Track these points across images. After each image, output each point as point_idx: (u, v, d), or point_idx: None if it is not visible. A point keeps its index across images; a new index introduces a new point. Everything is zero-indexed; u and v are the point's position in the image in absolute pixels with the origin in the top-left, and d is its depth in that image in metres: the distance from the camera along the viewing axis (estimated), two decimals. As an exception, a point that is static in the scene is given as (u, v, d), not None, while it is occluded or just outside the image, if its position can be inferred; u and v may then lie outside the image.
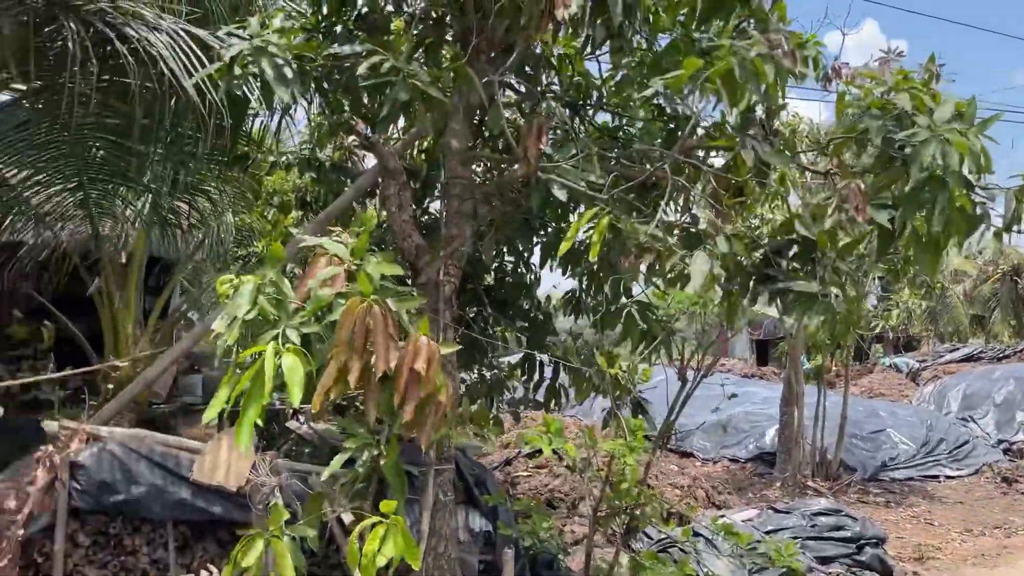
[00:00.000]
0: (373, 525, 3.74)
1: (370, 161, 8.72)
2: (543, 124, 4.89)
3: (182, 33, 6.19)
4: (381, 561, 3.71)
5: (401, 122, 6.73)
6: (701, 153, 5.64)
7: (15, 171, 7.86)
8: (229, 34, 4.75)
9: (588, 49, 6.00)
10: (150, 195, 8.23)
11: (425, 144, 7.33)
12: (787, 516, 8.53)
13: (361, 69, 4.58)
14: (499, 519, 5.60)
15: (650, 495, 5.33)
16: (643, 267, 4.41)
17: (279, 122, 9.21)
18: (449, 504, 5.21)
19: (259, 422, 3.79)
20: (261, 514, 4.92)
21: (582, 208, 5.32)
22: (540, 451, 11.13)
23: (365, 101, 5.98)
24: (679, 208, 5.70)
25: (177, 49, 6.08)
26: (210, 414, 3.80)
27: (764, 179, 5.21)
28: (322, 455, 6.84)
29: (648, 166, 5.51)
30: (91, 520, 5.03)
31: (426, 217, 7.17)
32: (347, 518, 5.00)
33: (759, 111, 4.77)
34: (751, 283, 4.99)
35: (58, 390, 7.81)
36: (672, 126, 5.88)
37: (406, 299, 3.93)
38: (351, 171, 7.51)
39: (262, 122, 9.02)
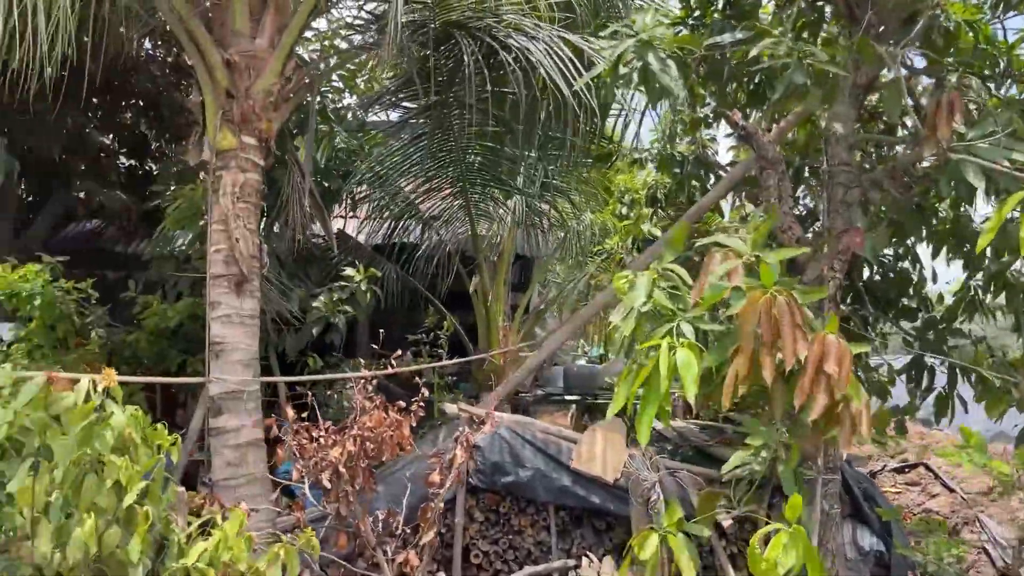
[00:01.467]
0: (772, 532, 3.55)
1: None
2: (956, 99, 4.32)
3: (556, 40, 6.48)
4: (781, 570, 3.51)
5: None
6: None
7: (409, 180, 8.87)
8: (614, 33, 4.83)
9: (999, 11, 5.27)
10: (521, 196, 8.80)
11: (790, 133, 6.96)
12: None
13: (754, 52, 4.41)
14: (893, 538, 5.07)
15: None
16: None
17: (640, 120, 9.35)
18: (836, 517, 4.82)
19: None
20: (640, 508, 4.95)
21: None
22: (912, 466, 10.09)
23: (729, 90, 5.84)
24: None
25: (552, 55, 6.38)
26: (614, 409, 3.89)
27: None
28: (683, 453, 6.77)
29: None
30: (484, 498, 5.44)
31: (798, 209, 6.79)
32: (726, 522, 4.87)
33: None
34: None
35: (435, 375, 8.62)
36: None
37: (810, 291, 3.69)
38: (714, 165, 7.33)
39: (626, 121, 9.22)
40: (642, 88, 4.86)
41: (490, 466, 5.31)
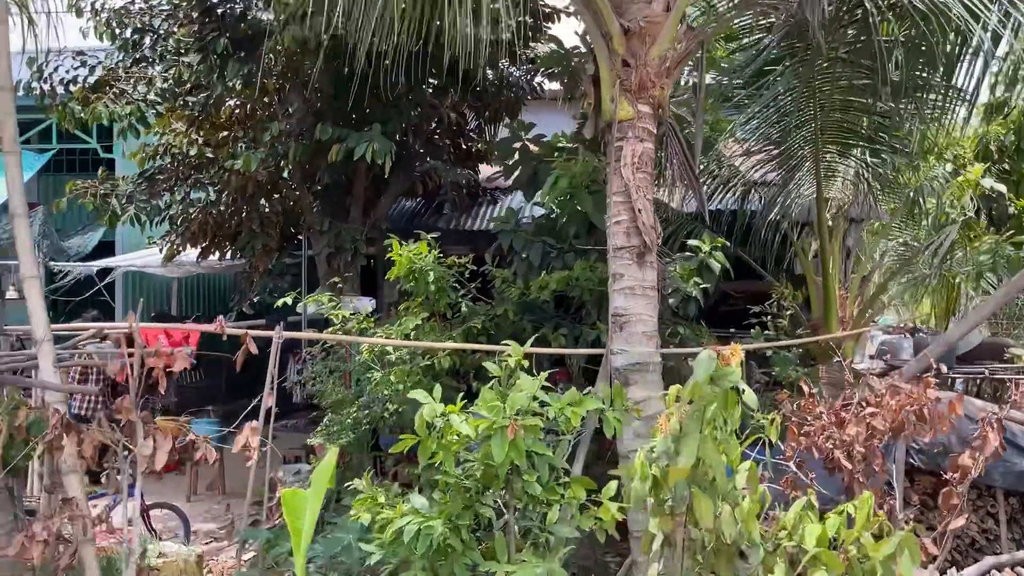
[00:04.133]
0: None
1: None
2: None
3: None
4: None
5: None
6: None
7: (742, 144, 8.50)
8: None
9: None
10: (863, 154, 8.16)
11: None
12: None
13: None
14: None
15: None
16: None
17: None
18: None
19: None
20: None
21: None
22: None
23: None
24: None
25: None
26: None
27: None
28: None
29: None
30: (920, 480, 5.06)
31: None
32: None
33: None
34: None
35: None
36: None
37: None
38: None
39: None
40: None
41: (935, 447, 4.90)
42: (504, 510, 3.92)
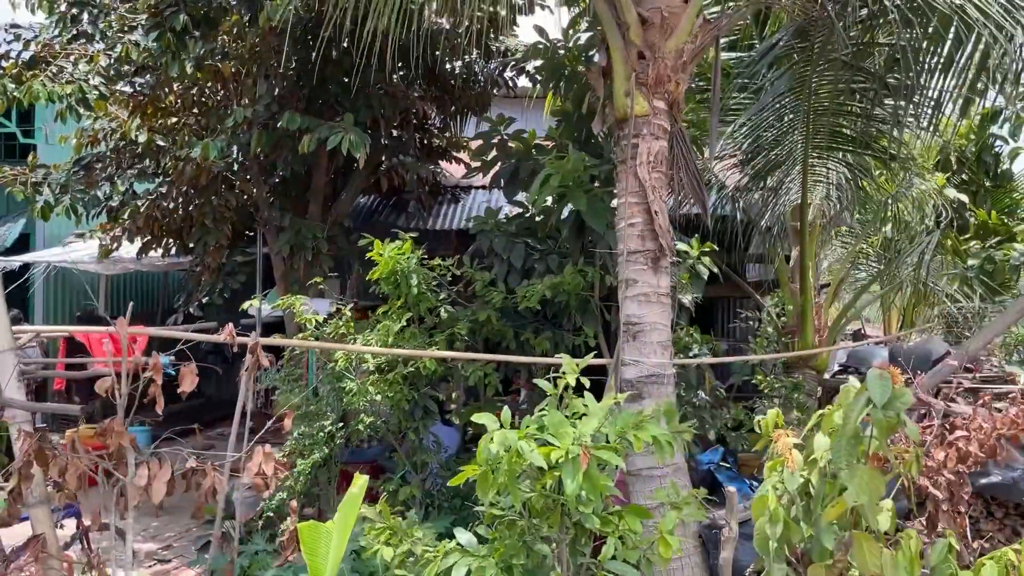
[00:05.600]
0: None
1: None
2: None
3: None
4: None
5: None
6: None
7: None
8: None
9: None
10: (845, 158, 8.06)
11: None
12: None
13: None
14: None
15: None
16: None
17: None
18: None
19: None
20: None
21: None
22: None
23: None
24: None
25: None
26: None
27: None
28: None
29: None
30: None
31: None
32: None
33: None
34: None
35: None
36: None
37: None
38: None
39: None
40: None
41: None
42: (549, 545, 3.50)
